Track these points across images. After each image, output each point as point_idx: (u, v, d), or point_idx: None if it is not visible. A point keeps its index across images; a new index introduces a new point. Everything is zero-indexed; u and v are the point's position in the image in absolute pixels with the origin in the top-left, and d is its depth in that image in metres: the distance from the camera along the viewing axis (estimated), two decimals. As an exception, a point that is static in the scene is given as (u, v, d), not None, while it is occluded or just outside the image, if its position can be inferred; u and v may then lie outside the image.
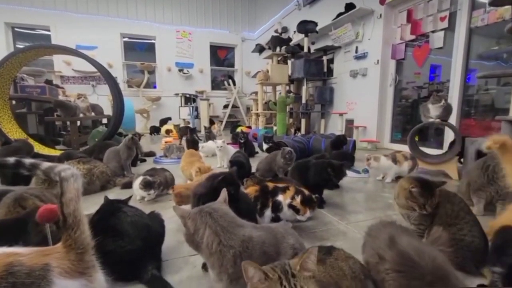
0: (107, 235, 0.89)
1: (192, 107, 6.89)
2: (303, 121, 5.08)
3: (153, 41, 7.74)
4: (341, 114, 4.58)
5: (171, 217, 1.43)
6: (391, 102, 4.27)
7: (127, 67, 7.63)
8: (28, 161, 0.64)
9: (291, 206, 1.11)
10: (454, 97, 3.31)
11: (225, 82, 8.03)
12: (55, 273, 0.47)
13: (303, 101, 5.01)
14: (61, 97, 4.94)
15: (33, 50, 3.07)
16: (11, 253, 0.46)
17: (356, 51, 4.58)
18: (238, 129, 5.64)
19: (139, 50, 7.86)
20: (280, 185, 1.22)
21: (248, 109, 8.13)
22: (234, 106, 7.75)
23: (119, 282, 0.90)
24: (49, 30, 6.74)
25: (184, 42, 7.93)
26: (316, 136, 3.51)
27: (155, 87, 7.92)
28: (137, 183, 1.70)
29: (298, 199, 1.10)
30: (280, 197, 1.15)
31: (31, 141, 2.91)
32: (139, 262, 0.91)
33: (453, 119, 3.23)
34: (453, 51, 3.32)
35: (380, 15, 4.11)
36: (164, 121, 7.02)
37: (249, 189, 1.23)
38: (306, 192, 1.15)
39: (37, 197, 1.16)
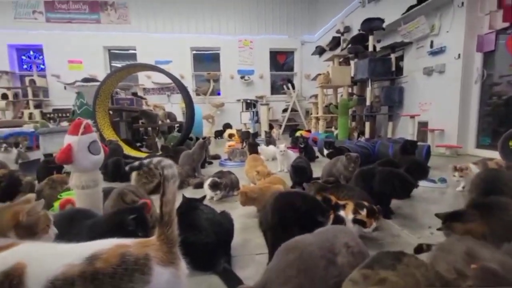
0: (188, 229, 1.04)
1: (253, 112, 7.17)
2: (367, 125, 4.79)
3: (218, 51, 8.35)
4: (412, 116, 4.16)
5: (238, 217, 1.56)
6: (476, 101, 3.70)
7: (196, 77, 8.40)
8: (145, 161, 0.76)
9: (356, 220, 1.10)
10: None
11: (284, 86, 8.11)
12: (153, 262, 0.56)
13: (368, 103, 4.73)
14: (144, 107, 5.76)
15: (125, 69, 3.69)
16: (122, 245, 0.58)
17: (431, 46, 4.11)
18: (298, 133, 5.64)
19: (206, 61, 8.57)
20: (341, 202, 1.21)
21: (307, 113, 8.04)
22: (293, 110, 7.77)
23: (197, 271, 1.04)
24: (135, 50, 7.94)
25: (245, 50, 8.34)
26: (383, 140, 3.28)
27: (219, 94, 8.50)
28: (207, 183, 1.89)
29: (364, 212, 1.09)
30: (342, 213, 1.15)
31: (121, 143, 3.50)
32: (213, 254, 1.03)
33: None
34: None
35: (462, 3, 3.61)
36: (227, 126, 7.50)
37: None
38: (366, 203, 1.14)
39: (133, 192, 1.42)
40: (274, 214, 0.98)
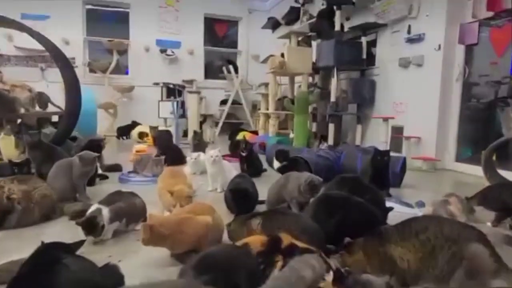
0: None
1: (177, 102, 6.91)
2: (331, 127, 5.02)
3: (127, 10, 7.92)
4: (385, 119, 4.51)
5: (138, 268, 1.39)
6: (457, 104, 4.20)
7: (90, 45, 7.84)
8: None
9: None
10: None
11: (224, 69, 8.08)
12: None
13: (332, 98, 4.97)
14: (-3, 85, 5.01)
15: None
16: None
17: (409, 32, 4.55)
18: (240, 135, 5.62)
19: (108, 21, 8.10)
20: (300, 244, 1.13)
21: (254, 107, 8.14)
22: (235, 102, 7.78)
23: None
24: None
25: (169, 12, 8.11)
26: (349, 149, 3.45)
27: (127, 72, 8.10)
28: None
29: (329, 277, 0.99)
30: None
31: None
32: None
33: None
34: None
35: (444, -17, 4.09)
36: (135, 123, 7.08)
37: (252, 240, 1.15)
38: (334, 264, 1.10)
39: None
40: None
